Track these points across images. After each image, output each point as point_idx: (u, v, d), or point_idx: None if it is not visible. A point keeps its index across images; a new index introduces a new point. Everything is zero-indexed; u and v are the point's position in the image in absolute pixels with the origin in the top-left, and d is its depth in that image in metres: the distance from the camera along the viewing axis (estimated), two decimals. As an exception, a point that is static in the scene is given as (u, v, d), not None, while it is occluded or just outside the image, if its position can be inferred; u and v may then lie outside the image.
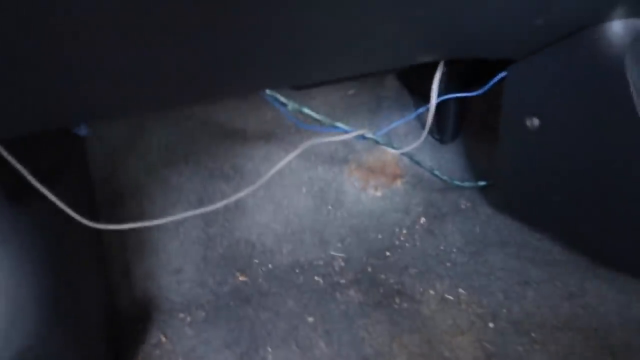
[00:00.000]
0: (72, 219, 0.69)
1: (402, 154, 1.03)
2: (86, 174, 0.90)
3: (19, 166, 0.62)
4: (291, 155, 0.79)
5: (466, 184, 1.09)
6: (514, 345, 0.83)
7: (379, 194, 1.12)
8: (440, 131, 1.13)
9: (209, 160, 1.07)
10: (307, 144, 0.80)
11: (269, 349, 0.83)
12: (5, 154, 0.59)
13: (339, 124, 0.84)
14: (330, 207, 1.09)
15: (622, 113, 0.68)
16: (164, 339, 0.87)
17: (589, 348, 0.80)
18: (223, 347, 0.84)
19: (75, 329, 0.71)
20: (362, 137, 0.87)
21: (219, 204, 0.78)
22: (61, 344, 0.69)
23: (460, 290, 0.94)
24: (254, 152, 1.09)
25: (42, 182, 0.65)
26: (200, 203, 1.02)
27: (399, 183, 1.13)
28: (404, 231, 1.09)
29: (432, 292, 0.95)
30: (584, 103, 0.73)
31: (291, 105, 0.80)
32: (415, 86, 1.17)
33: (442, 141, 1.15)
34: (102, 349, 0.79)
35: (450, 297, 0.93)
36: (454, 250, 1.03)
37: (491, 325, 0.87)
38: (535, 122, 0.81)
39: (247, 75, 0.62)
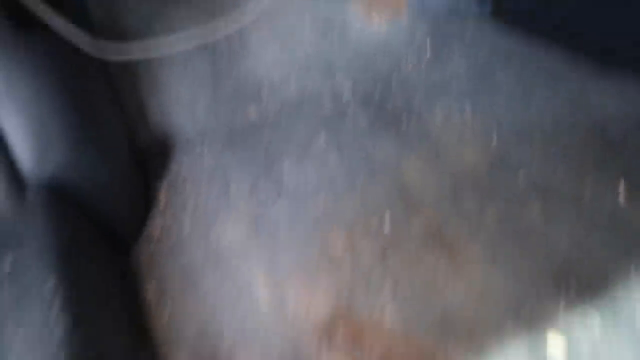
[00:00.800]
0: (81, 53, 0.71)
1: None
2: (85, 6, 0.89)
3: (38, 7, 0.62)
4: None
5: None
6: (516, 152, 0.88)
7: (384, 23, 1.11)
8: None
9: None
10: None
11: (285, 164, 0.89)
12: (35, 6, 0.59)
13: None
14: (335, 38, 1.09)
15: None
16: (185, 166, 0.93)
17: (587, 145, 0.85)
18: (242, 167, 0.90)
19: (101, 154, 0.76)
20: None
21: (223, 32, 0.79)
22: (90, 168, 0.74)
23: (466, 107, 0.97)
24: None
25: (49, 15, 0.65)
26: (204, 36, 1.02)
27: (403, 12, 1.12)
28: (411, 57, 1.09)
29: (438, 111, 0.98)
30: None
31: None
32: None
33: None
34: (138, 175, 0.85)
35: (457, 115, 0.96)
36: (460, 72, 1.04)
37: (495, 136, 0.91)
38: None
39: None
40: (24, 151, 0.67)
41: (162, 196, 0.89)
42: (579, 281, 0.67)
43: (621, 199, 0.77)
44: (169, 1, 1.03)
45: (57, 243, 0.59)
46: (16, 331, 0.51)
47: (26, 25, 0.68)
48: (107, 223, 0.75)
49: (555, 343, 0.61)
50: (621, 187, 0.77)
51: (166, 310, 0.72)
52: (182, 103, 0.99)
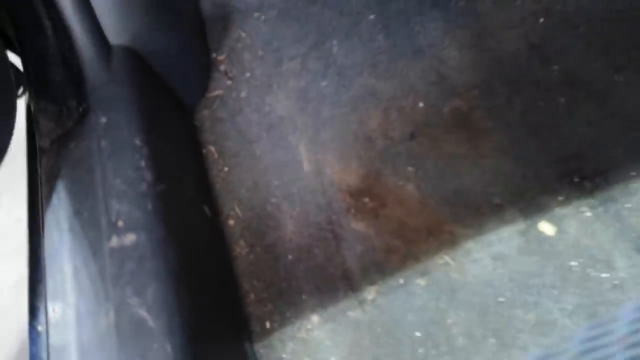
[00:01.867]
0: None
1: None
2: None
3: None
4: None
5: None
6: (560, 37, 0.90)
7: None
8: None
9: None
10: None
11: (335, 42, 0.95)
12: None
13: None
14: None
15: None
16: (243, 34, 1.01)
17: (632, 38, 0.86)
18: (295, 40, 0.97)
19: (178, 22, 0.86)
20: None
21: None
22: (163, 33, 0.84)
23: (519, -13, 0.97)
24: None
25: None
26: None
27: None
28: None
29: (490, -10, 0.98)
30: None
31: None
32: None
33: None
34: (202, 44, 0.94)
35: (508, -5, 0.96)
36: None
37: (542, 20, 0.92)
38: None
39: None
40: (108, 17, 0.77)
41: (223, 62, 0.99)
42: (582, 177, 0.75)
43: (648, 100, 0.81)
44: None
45: (141, 105, 0.73)
46: (116, 174, 0.66)
47: None
48: (175, 85, 0.87)
49: (546, 229, 0.72)
50: (651, 89, 0.81)
51: (225, 166, 0.87)
52: (241, -30, 1.03)
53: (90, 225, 0.64)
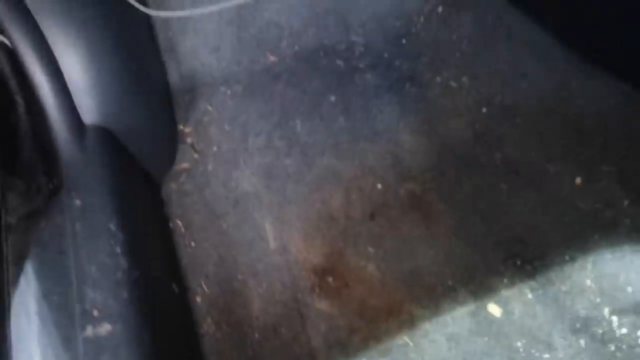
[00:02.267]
0: (132, 7, 0.79)
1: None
2: None
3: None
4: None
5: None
6: (501, 126, 1.00)
7: (401, -19, 1.16)
8: None
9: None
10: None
11: (298, 121, 1.01)
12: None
13: None
14: (353, -6, 1.14)
15: None
16: (210, 108, 1.05)
17: (560, 131, 0.97)
18: (260, 116, 1.02)
19: (148, 98, 0.88)
20: None
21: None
22: (135, 111, 0.86)
23: (464, 78, 1.07)
24: None
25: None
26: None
27: (422, -30, 1.16)
28: (422, 19, 1.16)
29: (438, 79, 1.08)
30: None
31: None
32: None
33: None
34: (170, 117, 0.97)
35: (454, 84, 1.07)
36: (464, 40, 1.12)
37: (484, 110, 1.03)
38: None
39: None
40: (83, 97, 0.78)
41: (190, 134, 1.02)
42: (523, 260, 0.84)
43: (576, 186, 0.92)
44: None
45: (115, 188, 0.74)
46: (90, 260, 0.67)
47: None
48: (143, 159, 0.89)
49: (493, 310, 0.80)
50: (579, 178, 0.92)
51: (192, 240, 0.89)
52: (208, 47, 1.08)
53: (62, 311, 0.64)
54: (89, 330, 0.61)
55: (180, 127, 1.02)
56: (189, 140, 1.01)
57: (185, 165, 0.97)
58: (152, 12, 0.81)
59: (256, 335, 0.78)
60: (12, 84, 0.80)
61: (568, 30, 1.00)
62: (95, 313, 0.62)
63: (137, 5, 0.78)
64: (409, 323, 0.78)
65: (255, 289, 0.83)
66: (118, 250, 0.67)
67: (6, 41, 0.73)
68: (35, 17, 0.72)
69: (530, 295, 0.80)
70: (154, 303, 0.68)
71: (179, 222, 0.90)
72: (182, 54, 1.07)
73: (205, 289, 0.83)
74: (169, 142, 0.98)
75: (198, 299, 0.82)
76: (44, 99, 0.76)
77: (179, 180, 0.95)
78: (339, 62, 1.11)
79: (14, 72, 0.80)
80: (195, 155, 0.98)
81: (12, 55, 0.76)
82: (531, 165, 0.95)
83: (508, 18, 1.11)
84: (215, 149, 0.99)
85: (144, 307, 0.65)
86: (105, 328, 0.61)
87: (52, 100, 0.76)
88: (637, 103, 0.92)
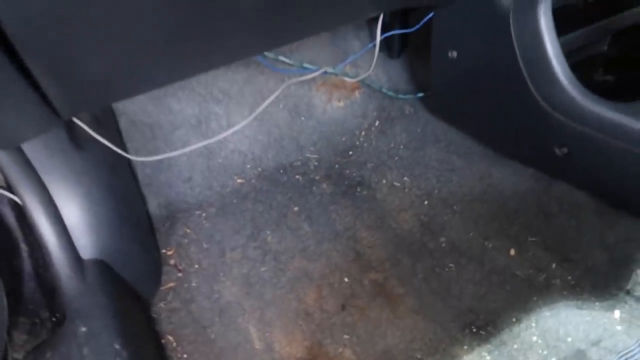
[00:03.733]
0: (117, 155, 0.95)
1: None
2: (115, 120, 1.13)
3: (81, 124, 0.86)
4: (270, 99, 1.04)
5: (408, 96, 1.36)
6: (441, 215, 1.17)
7: (341, 104, 1.39)
8: (390, 49, 1.37)
9: (198, 86, 1.29)
10: (285, 85, 1.05)
11: (268, 232, 1.15)
12: (76, 120, 0.83)
13: (306, 65, 1.08)
14: (303, 118, 1.35)
15: (508, 51, 0.96)
16: (188, 230, 1.18)
17: (491, 213, 1.15)
18: (234, 232, 1.16)
19: (135, 230, 1.01)
20: (325, 72, 1.11)
21: (220, 137, 1.04)
22: (125, 243, 0.99)
23: (405, 178, 1.26)
24: (236, 76, 1.31)
25: (95, 131, 0.89)
26: (199, 123, 1.27)
27: (357, 94, 1.39)
28: (363, 133, 1.38)
29: (384, 181, 1.26)
30: (485, 42, 1.00)
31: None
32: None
33: (390, 56, 1.39)
34: (153, 243, 1.09)
35: (397, 184, 1.25)
36: (401, 146, 1.33)
37: (426, 202, 1.21)
38: (454, 53, 1.07)
39: (242, 43, 0.85)
40: (80, 237, 0.90)
41: (172, 255, 1.13)
42: (477, 327, 0.96)
43: (511, 257, 1.07)
44: (169, 92, 1.26)
45: (116, 312, 0.84)
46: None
47: (80, 140, 0.92)
48: (134, 283, 0.99)
49: (459, 373, 0.91)
50: (512, 250, 1.08)
51: (184, 353, 0.98)
52: (181, 178, 1.23)
53: None
54: None
55: (163, 251, 1.14)
56: (172, 261, 1.12)
57: (170, 284, 1.08)
58: (134, 158, 0.97)
59: None
60: (17, 233, 0.92)
61: (482, 131, 1.22)
62: None
63: (123, 153, 0.94)
64: (388, 398, 0.87)
65: (247, 389, 0.91)
66: (123, 365, 0.76)
67: (16, 199, 0.86)
68: (41, 175, 0.86)
69: (488, 357, 0.92)
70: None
71: (170, 338, 0.99)
72: (158, 187, 1.22)
73: (201, 396, 0.91)
74: (155, 265, 1.09)
75: (194, 407, 0.89)
76: (47, 242, 0.87)
77: (166, 299, 1.05)
78: (298, 177, 1.28)
79: (18, 223, 0.93)
80: (179, 274, 1.10)
81: (20, 210, 0.89)
82: (471, 245, 1.11)
83: (432, 126, 1.33)
84: (196, 266, 1.11)
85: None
86: None
87: (53, 241, 0.87)
88: (548, 184, 1.12)
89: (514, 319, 0.97)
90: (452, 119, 1.28)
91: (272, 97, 1.03)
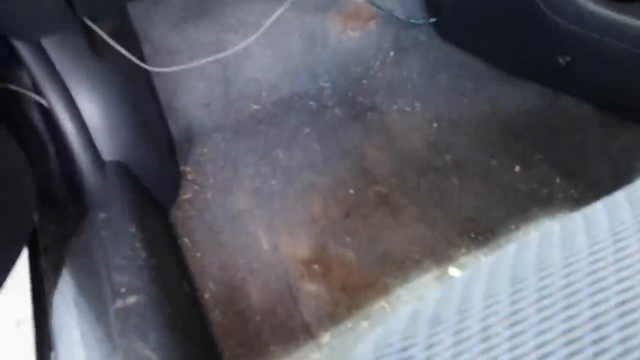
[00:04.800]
0: (137, 66, 1.01)
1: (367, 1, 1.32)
2: (138, 42, 1.19)
3: (101, 32, 0.92)
4: (283, 7, 1.07)
5: (421, 21, 1.37)
6: (449, 136, 1.20)
7: (356, 34, 1.41)
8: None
9: (218, 15, 1.34)
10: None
11: (280, 151, 1.21)
12: (93, 26, 0.89)
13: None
14: (318, 48, 1.38)
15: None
16: (206, 150, 1.24)
17: (498, 132, 1.17)
18: (247, 152, 1.22)
19: (155, 141, 1.08)
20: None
21: (232, 50, 1.09)
22: (143, 149, 1.06)
23: (416, 103, 1.28)
24: (254, 7, 1.35)
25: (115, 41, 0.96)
26: (217, 51, 1.32)
27: (372, 24, 1.41)
28: (377, 63, 1.40)
29: (395, 106, 1.29)
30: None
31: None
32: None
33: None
34: (173, 158, 1.16)
35: (408, 109, 1.28)
36: (414, 74, 1.35)
37: (435, 125, 1.23)
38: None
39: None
40: (102, 139, 0.98)
41: (190, 172, 1.20)
42: (476, 233, 0.99)
43: (515, 174, 1.09)
44: (189, 19, 1.31)
45: (132, 203, 0.92)
46: (115, 254, 0.83)
47: (100, 49, 0.98)
48: (153, 191, 1.07)
49: (454, 273, 0.94)
50: (517, 167, 1.09)
51: (197, 252, 1.05)
52: (200, 103, 1.29)
53: (95, 297, 0.79)
54: (119, 303, 0.76)
55: (182, 168, 1.21)
56: (189, 177, 1.19)
57: (188, 195, 1.15)
58: (150, 69, 1.03)
59: (257, 318, 0.92)
60: (45, 136, 1.00)
61: (490, 51, 1.23)
62: (123, 290, 0.77)
63: (139, 63, 1.00)
64: (384, 292, 0.92)
65: (253, 282, 0.97)
66: (138, 245, 0.84)
67: (44, 102, 0.94)
68: (65, 80, 0.94)
69: (483, 258, 0.95)
70: (169, 285, 0.84)
71: (186, 240, 1.06)
72: (178, 112, 1.29)
73: (212, 288, 0.98)
74: (174, 178, 1.16)
75: (207, 296, 0.96)
76: (71, 142, 0.95)
77: (183, 207, 1.12)
78: (311, 103, 1.32)
79: (46, 127, 1.01)
80: (196, 187, 1.16)
81: (47, 113, 0.97)
82: (477, 162, 1.13)
83: (444, 52, 1.34)
84: (212, 180, 1.17)
85: (162, 283, 0.80)
86: (132, 299, 0.76)
87: (77, 142, 0.95)
88: (553, 100, 1.12)
89: (513, 227, 1.00)
90: (463, 43, 1.29)
91: (283, 8, 1.07)
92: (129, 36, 1.10)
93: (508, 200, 1.05)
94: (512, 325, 0.27)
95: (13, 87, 0.93)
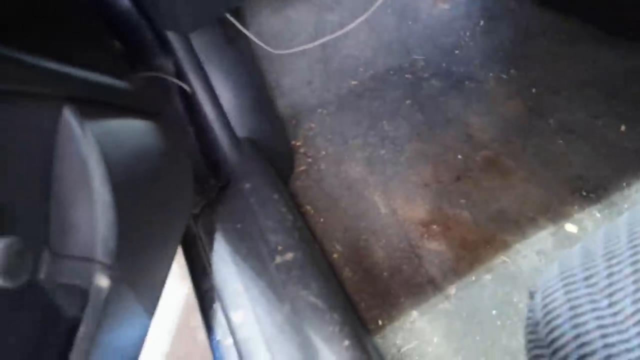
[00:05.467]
0: (256, 51, 1.11)
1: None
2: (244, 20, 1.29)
3: (237, 23, 1.02)
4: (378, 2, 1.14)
5: (514, -11, 1.40)
6: (549, 100, 1.23)
7: (446, 6, 1.45)
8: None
9: (314, -1, 1.42)
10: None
11: (384, 122, 1.28)
12: (232, 18, 0.99)
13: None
14: (410, 22, 1.44)
15: None
16: (313, 125, 1.33)
17: (599, 93, 1.19)
18: (354, 124, 1.30)
19: (273, 118, 1.18)
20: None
21: (334, 35, 1.16)
22: (265, 127, 1.16)
23: (512, 70, 1.32)
24: (348, -13, 1.42)
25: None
26: (315, 31, 1.40)
27: (461, -5, 1.45)
28: (468, 33, 1.44)
29: (491, 74, 1.34)
30: None
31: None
32: None
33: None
34: (284, 133, 1.27)
35: (504, 76, 1.32)
36: (506, 42, 1.38)
37: (533, 90, 1.27)
38: None
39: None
40: (235, 118, 1.09)
41: (301, 146, 1.30)
42: (587, 191, 1.04)
43: (621, 132, 1.12)
44: (289, 9, 1.40)
45: (270, 174, 1.02)
46: (267, 218, 0.94)
47: (231, 36, 1.09)
48: (274, 164, 1.17)
49: (570, 229, 1.00)
50: (622, 126, 1.13)
51: (320, 218, 1.15)
52: (303, 82, 1.39)
53: (252, 256, 0.90)
54: (278, 259, 0.87)
55: (293, 142, 1.31)
56: (301, 150, 1.29)
57: (302, 167, 1.25)
58: (274, 51, 1.12)
59: (385, 274, 1.01)
60: (185, 118, 1.12)
61: (591, 14, 1.24)
62: (280, 248, 0.88)
63: (265, 46, 1.10)
64: (503, 247, 0.99)
65: (377, 243, 1.07)
66: (283, 209, 0.94)
67: (187, 87, 1.05)
68: (205, 67, 1.05)
69: (598, 215, 1.00)
70: (313, 242, 0.94)
71: (308, 207, 1.17)
72: (283, 91, 1.38)
73: (339, 249, 1.08)
74: (289, 151, 1.26)
75: (335, 256, 1.07)
76: (211, 123, 1.07)
77: (300, 178, 1.23)
78: (408, 76, 1.39)
79: (186, 110, 1.13)
80: (309, 160, 1.26)
81: (188, 98, 1.09)
82: (581, 124, 1.16)
83: (537, 18, 1.37)
84: (323, 153, 1.27)
85: (309, 242, 0.91)
86: (289, 256, 0.87)
87: (217, 123, 1.06)
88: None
89: (624, 184, 1.04)
90: (558, 6, 1.31)
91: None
92: (245, 26, 1.20)
93: (616, 159, 1.08)
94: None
95: (162, 74, 1.05)
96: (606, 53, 1.25)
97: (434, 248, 1.03)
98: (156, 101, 1.03)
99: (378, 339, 0.94)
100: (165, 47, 1.05)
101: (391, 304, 0.98)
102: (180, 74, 1.06)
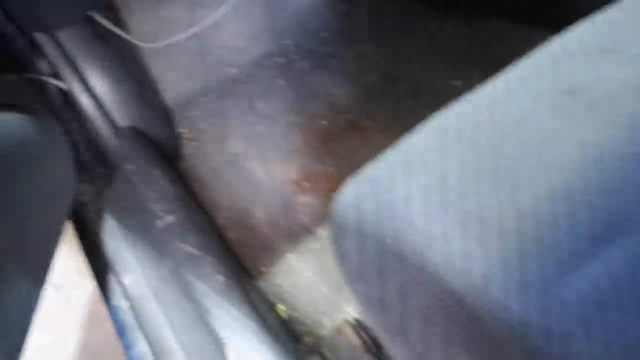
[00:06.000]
0: (131, 47, 1.21)
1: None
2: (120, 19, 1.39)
3: (103, 20, 1.12)
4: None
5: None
6: (399, 69, 1.42)
7: (308, -6, 1.61)
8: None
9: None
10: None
11: (259, 102, 1.42)
12: (98, 18, 1.09)
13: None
14: (278, 10, 1.59)
15: None
16: (197, 113, 1.45)
17: (439, 59, 1.40)
18: (233, 107, 1.43)
19: (155, 107, 1.29)
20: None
21: (206, 24, 1.29)
22: (146, 112, 1.26)
23: (368, 46, 1.50)
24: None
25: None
26: (192, 26, 1.52)
27: (320, -16, 1.62)
28: (331, 16, 1.61)
29: (352, 51, 1.51)
30: None
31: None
32: None
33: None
34: (169, 121, 1.37)
35: (363, 51, 1.50)
36: (364, 22, 1.57)
37: (387, 61, 1.45)
38: None
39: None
40: (113, 109, 1.18)
41: (186, 133, 1.41)
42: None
43: (458, 88, 1.33)
44: (165, 6, 1.51)
45: (151, 155, 1.13)
46: (147, 189, 1.04)
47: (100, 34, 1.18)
48: (160, 149, 1.28)
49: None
50: (459, 82, 1.33)
51: (206, 194, 1.27)
52: (185, 74, 1.50)
53: (139, 225, 1.01)
54: (159, 223, 0.98)
55: (179, 130, 1.42)
56: (187, 136, 1.40)
57: (189, 151, 1.36)
58: (144, 45, 1.23)
59: (265, 230, 1.15)
60: (67, 114, 1.20)
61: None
62: (161, 213, 0.99)
63: (136, 42, 1.20)
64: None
65: (257, 205, 1.20)
66: (163, 182, 1.06)
67: (62, 85, 1.14)
68: (78, 65, 1.13)
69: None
70: (194, 207, 1.06)
71: (195, 184, 1.28)
72: (167, 83, 1.49)
73: (224, 215, 1.20)
74: (173, 137, 1.37)
75: (220, 221, 1.19)
76: (90, 116, 1.16)
77: (186, 160, 1.34)
78: (279, 59, 1.53)
79: (66, 107, 1.21)
80: (194, 143, 1.38)
81: (66, 95, 1.17)
82: (425, 84, 1.36)
83: (388, 1, 1.56)
84: (207, 136, 1.39)
85: (189, 207, 1.03)
86: (170, 218, 0.98)
87: (95, 115, 1.16)
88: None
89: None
90: None
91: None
92: (119, 23, 1.29)
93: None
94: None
95: (35, 75, 1.12)
96: (445, 24, 1.46)
97: (306, 201, 1.18)
98: (29, 99, 1.11)
99: (261, 283, 1.07)
100: (38, 49, 1.13)
101: (272, 253, 1.11)
102: (56, 73, 1.14)
